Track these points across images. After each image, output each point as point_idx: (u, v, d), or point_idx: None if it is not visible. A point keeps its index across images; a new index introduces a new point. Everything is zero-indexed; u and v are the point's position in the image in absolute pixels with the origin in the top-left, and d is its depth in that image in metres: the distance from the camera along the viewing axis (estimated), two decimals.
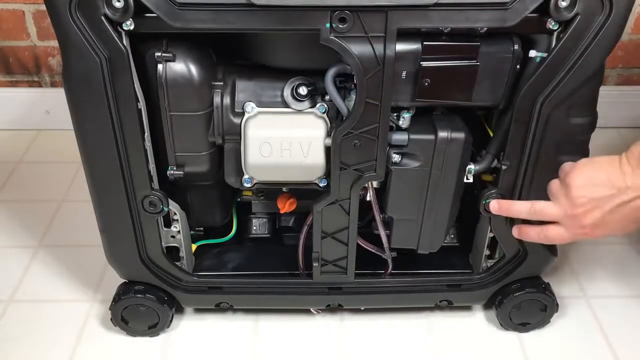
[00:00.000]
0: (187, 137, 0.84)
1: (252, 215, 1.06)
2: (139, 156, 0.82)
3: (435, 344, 1.01)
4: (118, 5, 0.71)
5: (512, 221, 0.90)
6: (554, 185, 0.83)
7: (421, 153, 0.84)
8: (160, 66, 0.78)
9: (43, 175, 1.39)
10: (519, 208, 0.86)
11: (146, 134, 0.82)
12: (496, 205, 0.87)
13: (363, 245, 0.94)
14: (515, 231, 0.89)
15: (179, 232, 0.93)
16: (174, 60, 0.78)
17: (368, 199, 0.89)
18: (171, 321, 1.01)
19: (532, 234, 0.87)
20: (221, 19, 0.72)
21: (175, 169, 0.87)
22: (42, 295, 1.09)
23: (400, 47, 0.75)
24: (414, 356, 0.99)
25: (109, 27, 0.72)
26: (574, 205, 0.79)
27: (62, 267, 1.14)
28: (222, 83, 0.82)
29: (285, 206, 0.97)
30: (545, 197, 0.85)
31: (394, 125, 0.83)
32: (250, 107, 0.82)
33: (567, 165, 0.81)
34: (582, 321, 1.05)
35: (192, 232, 0.99)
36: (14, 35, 1.43)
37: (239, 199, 1.03)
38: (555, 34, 0.75)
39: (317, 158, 0.84)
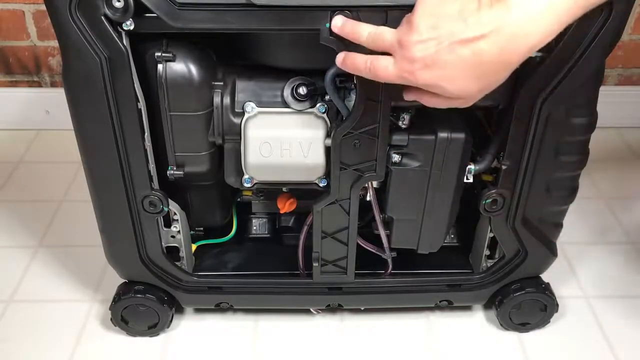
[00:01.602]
0: (187, 137, 0.84)
1: (252, 215, 1.06)
2: (139, 156, 0.82)
3: (435, 344, 1.01)
4: (118, 5, 0.71)
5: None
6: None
7: (421, 153, 0.84)
8: (160, 66, 0.78)
9: (43, 175, 1.39)
10: (361, 28, 0.69)
11: (146, 134, 0.82)
12: (340, 22, 0.70)
13: (363, 245, 0.94)
14: (340, 58, 0.71)
15: (179, 232, 0.93)
16: (174, 60, 0.78)
17: (368, 199, 0.89)
18: (171, 321, 1.01)
19: (359, 62, 0.69)
20: (221, 19, 0.72)
21: (175, 169, 0.87)
22: (42, 295, 1.09)
23: None
24: (414, 356, 0.99)
25: (109, 27, 0.72)
26: (410, 30, 0.63)
27: (62, 267, 1.14)
28: (222, 83, 0.82)
29: (285, 206, 0.97)
30: (546, 198, 0.85)
31: (394, 125, 0.83)
32: (250, 107, 0.82)
33: None
34: (582, 321, 1.05)
35: (192, 232, 0.99)
36: (14, 35, 1.43)
37: (239, 199, 1.03)
38: None
39: (317, 158, 0.84)
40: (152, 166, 0.85)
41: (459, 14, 0.61)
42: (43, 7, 0.80)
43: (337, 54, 0.73)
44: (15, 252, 1.18)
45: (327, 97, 0.81)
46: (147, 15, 0.72)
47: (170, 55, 0.78)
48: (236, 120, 0.83)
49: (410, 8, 0.63)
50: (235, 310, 1.05)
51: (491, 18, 0.59)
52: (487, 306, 1.05)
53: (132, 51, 0.75)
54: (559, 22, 0.60)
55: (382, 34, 0.66)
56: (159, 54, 0.77)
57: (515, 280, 0.98)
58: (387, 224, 0.92)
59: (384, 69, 0.66)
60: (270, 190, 0.98)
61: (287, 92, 0.82)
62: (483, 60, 0.61)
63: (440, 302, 1.00)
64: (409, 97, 0.71)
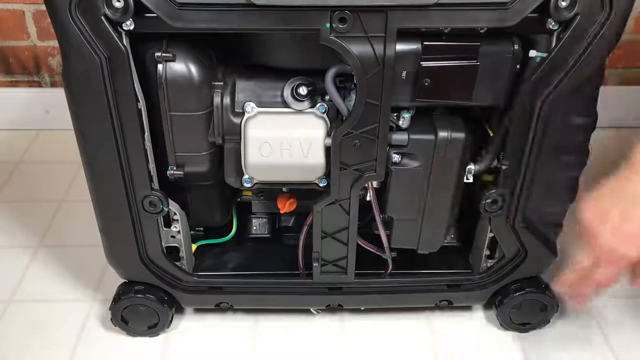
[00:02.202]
0: (187, 137, 0.84)
1: (252, 215, 1.06)
2: (139, 156, 0.82)
3: (435, 344, 1.01)
4: (118, 5, 0.71)
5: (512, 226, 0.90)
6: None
7: (421, 153, 0.84)
8: (160, 66, 0.78)
9: (43, 175, 1.39)
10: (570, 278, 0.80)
11: (146, 133, 0.82)
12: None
13: (363, 245, 0.94)
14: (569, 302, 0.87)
15: (179, 232, 0.93)
16: (174, 60, 0.78)
17: (368, 199, 0.89)
18: (171, 321, 1.01)
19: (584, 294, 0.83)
20: (221, 19, 0.72)
21: (175, 169, 0.87)
22: (42, 295, 1.09)
23: (400, 47, 0.75)
24: (414, 356, 0.99)
25: (109, 27, 0.72)
26: (584, 224, 0.73)
27: (62, 267, 1.14)
28: (222, 83, 0.82)
29: (285, 206, 0.97)
30: (546, 198, 0.84)
31: (394, 125, 0.83)
32: (250, 107, 0.82)
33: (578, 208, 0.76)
34: (582, 321, 1.05)
35: (192, 232, 0.99)
36: (14, 35, 1.43)
37: (239, 199, 1.03)
38: (555, 34, 0.75)
39: (317, 158, 0.84)
40: (152, 166, 0.85)
41: (614, 194, 0.70)
42: (43, 7, 0.80)
43: (337, 53, 0.73)
44: (15, 252, 1.18)
45: (327, 97, 0.81)
46: (147, 15, 0.72)
47: (170, 55, 0.78)
48: (236, 120, 0.83)
49: (409, 8, 0.62)
50: (235, 310, 1.05)
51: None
52: (487, 306, 1.05)
53: (132, 51, 0.75)
54: None
55: (578, 261, 0.75)
56: (159, 54, 0.77)
57: (515, 280, 0.98)
58: (387, 224, 0.92)
59: (607, 281, 0.76)
60: (270, 190, 0.98)
61: (287, 92, 0.82)
62: None
63: (440, 302, 1.00)
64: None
